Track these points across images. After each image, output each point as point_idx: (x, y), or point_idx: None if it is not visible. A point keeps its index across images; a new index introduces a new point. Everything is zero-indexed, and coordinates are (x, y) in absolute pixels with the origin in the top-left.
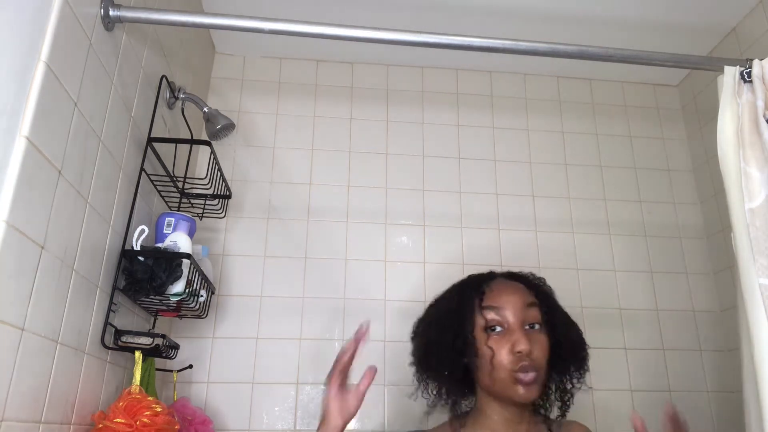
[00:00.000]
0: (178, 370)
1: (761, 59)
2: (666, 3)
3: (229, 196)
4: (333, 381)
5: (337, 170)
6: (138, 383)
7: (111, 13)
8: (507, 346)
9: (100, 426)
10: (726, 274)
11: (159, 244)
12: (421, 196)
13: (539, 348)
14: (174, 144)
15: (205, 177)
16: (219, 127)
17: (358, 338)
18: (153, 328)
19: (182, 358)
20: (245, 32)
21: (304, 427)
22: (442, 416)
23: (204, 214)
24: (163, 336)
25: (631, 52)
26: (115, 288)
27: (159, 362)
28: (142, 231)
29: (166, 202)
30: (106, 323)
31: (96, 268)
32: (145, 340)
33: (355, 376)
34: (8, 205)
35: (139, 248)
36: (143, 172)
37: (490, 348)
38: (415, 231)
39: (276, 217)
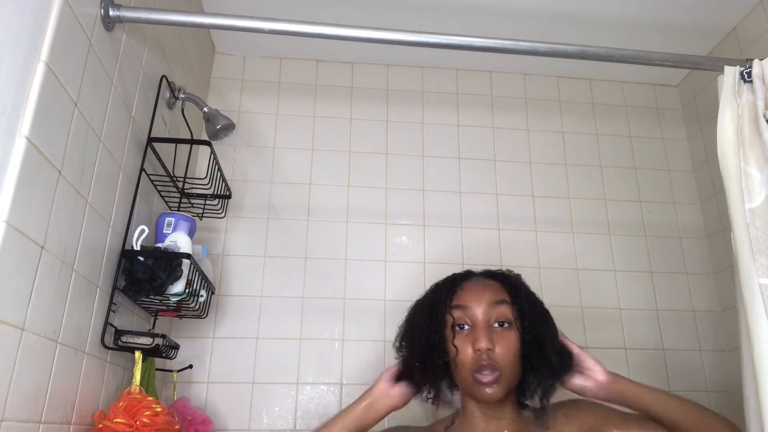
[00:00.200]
0: (178, 370)
1: (761, 59)
2: (666, 3)
3: (229, 196)
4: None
5: (337, 170)
6: (138, 383)
7: (111, 13)
8: (470, 344)
9: (100, 426)
10: (726, 274)
11: (159, 244)
12: (421, 196)
13: (504, 346)
14: (174, 144)
15: (205, 177)
16: (219, 127)
17: None
18: (153, 328)
19: (182, 358)
20: (245, 32)
21: (304, 427)
22: (442, 413)
23: (204, 214)
24: (163, 336)
25: (631, 52)
26: (115, 288)
27: (159, 362)
28: (142, 231)
29: (166, 202)
30: (106, 323)
31: (96, 268)
32: (145, 340)
33: (355, 375)
34: (8, 205)
35: (139, 248)
36: (143, 172)
37: (455, 346)
38: (415, 231)
39: (276, 217)
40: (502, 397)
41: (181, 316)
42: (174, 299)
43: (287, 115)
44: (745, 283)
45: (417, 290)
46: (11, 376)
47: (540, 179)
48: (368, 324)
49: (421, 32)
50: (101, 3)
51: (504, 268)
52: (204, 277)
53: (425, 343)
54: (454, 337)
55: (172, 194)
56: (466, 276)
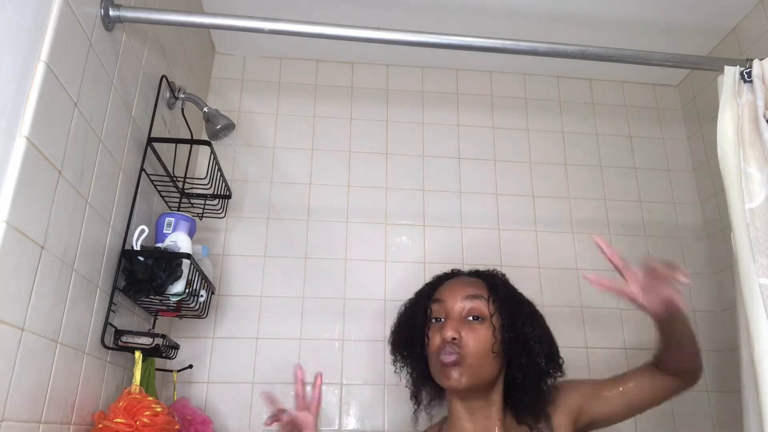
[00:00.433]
0: (178, 370)
1: (761, 59)
2: (666, 3)
3: (229, 196)
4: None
5: (337, 170)
6: (138, 383)
7: (111, 13)
8: (439, 333)
9: (100, 426)
10: (726, 274)
11: (159, 244)
12: (421, 196)
13: (473, 339)
14: (174, 144)
15: (205, 177)
16: (219, 127)
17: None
18: (153, 328)
19: (182, 358)
20: (245, 32)
21: None
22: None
23: (204, 214)
24: (163, 336)
25: (631, 52)
26: (115, 288)
27: (159, 362)
28: (142, 231)
29: (166, 202)
30: (106, 323)
31: (96, 268)
32: (145, 340)
33: (356, 375)
34: (8, 205)
35: (139, 248)
36: (143, 172)
37: (428, 336)
38: (415, 231)
39: (276, 217)
40: (469, 386)
41: (181, 316)
42: (174, 299)
43: (287, 115)
44: (745, 283)
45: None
46: (11, 376)
47: (540, 179)
48: (368, 324)
49: (421, 32)
50: (101, 3)
51: (492, 268)
52: (204, 277)
53: (407, 336)
54: (429, 329)
55: (172, 194)
56: (452, 274)
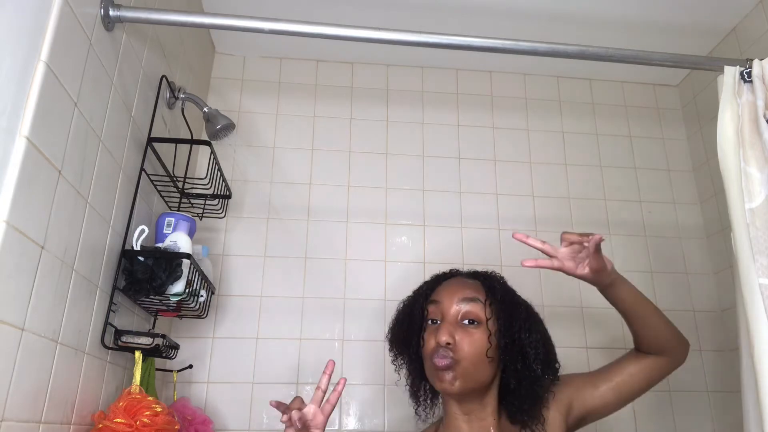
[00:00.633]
0: (178, 370)
1: (761, 59)
2: (666, 3)
3: (229, 196)
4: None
5: (337, 170)
6: (138, 383)
7: (111, 13)
8: (434, 337)
9: (100, 426)
10: (726, 274)
11: (159, 244)
12: (421, 196)
13: (467, 342)
14: (174, 144)
15: (205, 177)
16: (219, 127)
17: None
18: (153, 328)
19: (182, 358)
20: (245, 32)
21: None
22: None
23: (204, 214)
24: (163, 336)
25: (631, 52)
26: (115, 288)
27: (159, 362)
28: (142, 231)
29: (166, 202)
30: (106, 323)
31: (96, 268)
32: (145, 340)
33: (355, 375)
34: (8, 205)
35: (139, 248)
36: (143, 172)
37: (423, 339)
38: (415, 231)
39: (276, 217)
40: (462, 391)
41: (181, 316)
42: (174, 299)
43: (287, 115)
44: (745, 283)
45: None
46: (11, 376)
47: (540, 179)
48: (368, 324)
49: (421, 32)
50: (101, 3)
51: (491, 270)
52: (204, 277)
53: (404, 335)
54: (425, 330)
55: (172, 194)
56: (450, 274)
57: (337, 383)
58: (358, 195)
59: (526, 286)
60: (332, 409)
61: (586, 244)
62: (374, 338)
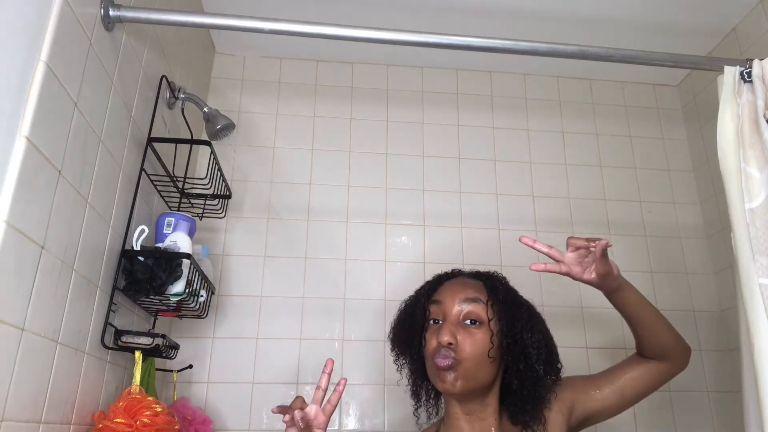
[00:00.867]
0: (178, 370)
1: (761, 59)
2: (666, 3)
3: (229, 196)
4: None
5: (337, 170)
6: (138, 383)
7: (111, 13)
8: (435, 337)
9: (100, 426)
10: (726, 274)
11: (159, 244)
12: (421, 196)
13: (469, 343)
14: (174, 144)
15: (205, 177)
16: (219, 127)
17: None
18: (153, 328)
19: (182, 358)
20: (245, 32)
21: None
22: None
23: (204, 214)
24: (163, 336)
25: (631, 52)
26: (115, 288)
27: (159, 362)
28: (142, 231)
29: (166, 202)
30: (106, 323)
31: (96, 268)
32: (145, 340)
33: (356, 375)
34: (8, 205)
35: (139, 248)
36: (143, 172)
37: (425, 339)
38: (415, 231)
39: (276, 217)
40: (463, 391)
41: (181, 316)
42: (174, 299)
43: (287, 115)
44: (745, 283)
45: None
46: (11, 376)
47: (540, 179)
48: (368, 324)
49: (421, 32)
50: (101, 3)
51: (493, 270)
52: (204, 277)
53: (406, 335)
54: (426, 330)
55: (172, 194)
56: (452, 274)
57: (338, 383)
58: (358, 195)
59: (526, 286)
60: (333, 410)
61: (592, 249)
62: (374, 338)
